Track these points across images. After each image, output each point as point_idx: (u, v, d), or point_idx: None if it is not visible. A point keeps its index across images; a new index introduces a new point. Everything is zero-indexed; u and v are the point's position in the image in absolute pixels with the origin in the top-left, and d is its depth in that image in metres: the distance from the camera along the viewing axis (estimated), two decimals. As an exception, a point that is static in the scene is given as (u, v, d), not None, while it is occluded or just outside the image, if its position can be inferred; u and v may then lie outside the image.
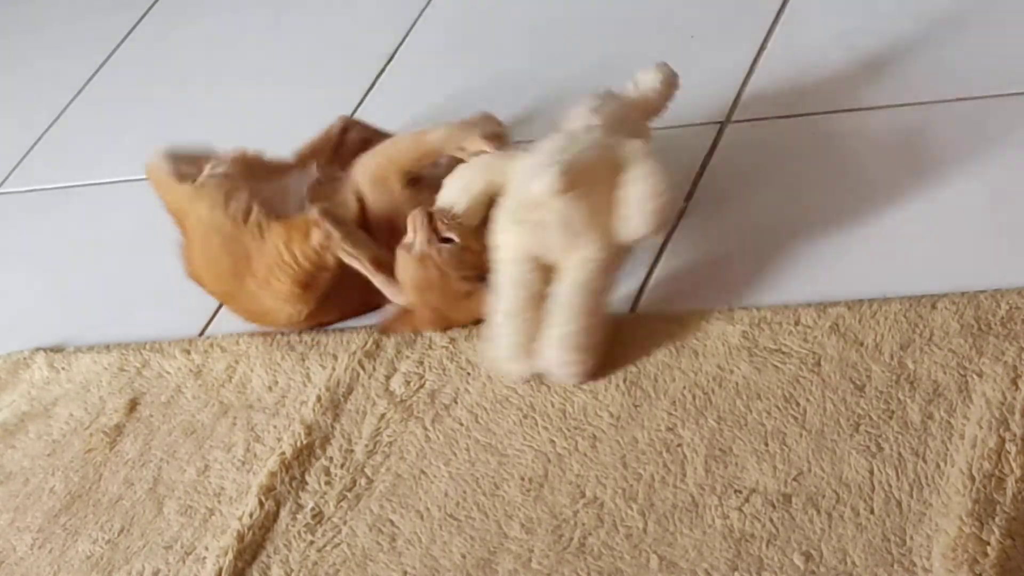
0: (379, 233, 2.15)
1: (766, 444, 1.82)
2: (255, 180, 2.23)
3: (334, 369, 2.11)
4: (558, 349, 1.95)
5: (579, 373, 1.96)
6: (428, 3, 2.81)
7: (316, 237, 2.12)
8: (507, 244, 2.00)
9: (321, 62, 2.79)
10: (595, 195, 1.97)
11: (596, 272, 1.97)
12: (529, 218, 1.98)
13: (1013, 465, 1.70)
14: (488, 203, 2.03)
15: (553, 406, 1.96)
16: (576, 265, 1.97)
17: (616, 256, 1.99)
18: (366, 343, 2.13)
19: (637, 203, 1.97)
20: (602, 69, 2.51)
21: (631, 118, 2.11)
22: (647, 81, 2.16)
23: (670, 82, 2.17)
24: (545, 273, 1.98)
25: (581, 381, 1.96)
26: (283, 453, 2.03)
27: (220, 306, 2.30)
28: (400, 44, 2.75)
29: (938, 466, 1.73)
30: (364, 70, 2.70)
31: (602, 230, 1.97)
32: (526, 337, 1.97)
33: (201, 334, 2.29)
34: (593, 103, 2.09)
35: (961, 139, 2.16)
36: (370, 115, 2.62)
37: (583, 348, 1.95)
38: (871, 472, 1.75)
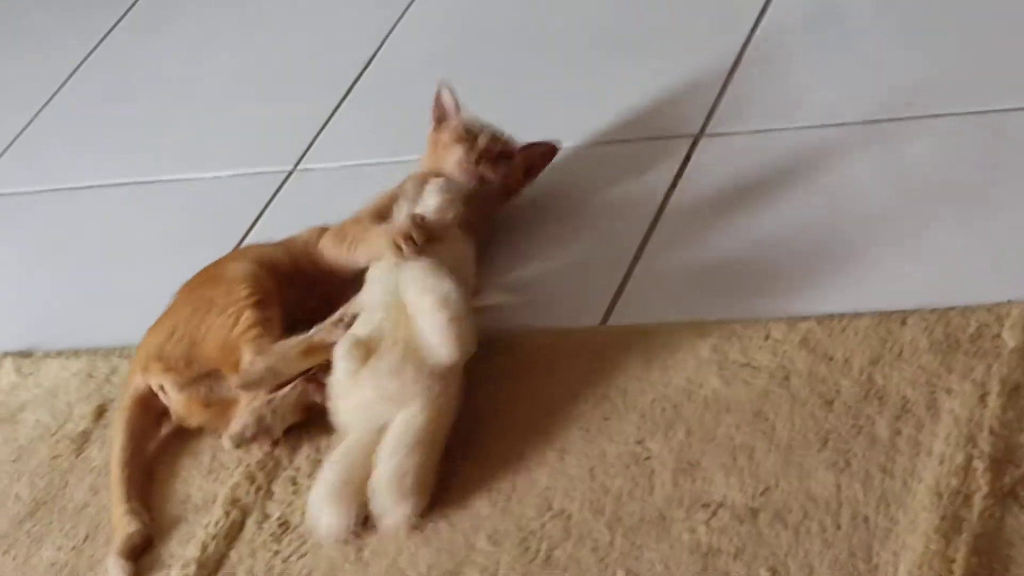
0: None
1: (734, 458, 1.82)
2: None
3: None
4: (387, 488, 1.86)
5: (405, 516, 1.86)
6: (404, 12, 2.80)
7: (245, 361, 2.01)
8: (347, 427, 1.94)
9: (298, 68, 2.78)
10: (397, 350, 1.92)
11: (428, 411, 1.90)
12: (353, 403, 1.93)
13: (980, 482, 1.70)
14: None
15: (522, 415, 1.95)
16: (408, 412, 1.90)
17: (447, 386, 1.92)
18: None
19: (434, 334, 1.91)
20: (577, 79, 2.51)
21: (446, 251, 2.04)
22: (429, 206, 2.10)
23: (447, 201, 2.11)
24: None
25: (407, 524, 1.86)
26: (249, 463, 2.02)
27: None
28: (376, 52, 2.74)
29: (905, 482, 1.73)
30: (340, 77, 2.69)
31: (424, 379, 1.91)
32: (346, 483, 1.88)
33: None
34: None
35: (933, 156, 2.16)
36: (345, 123, 2.62)
37: (412, 489, 1.86)
38: (838, 488, 1.75)
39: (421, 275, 1.99)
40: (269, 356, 1.99)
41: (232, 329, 2.03)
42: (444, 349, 1.91)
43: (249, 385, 2.00)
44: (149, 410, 2.07)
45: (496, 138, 2.22)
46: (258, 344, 2.01)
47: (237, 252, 2.24)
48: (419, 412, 1.90)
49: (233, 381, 2.01)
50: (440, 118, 2.26)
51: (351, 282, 2.07)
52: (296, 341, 2.00)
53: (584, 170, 2.32)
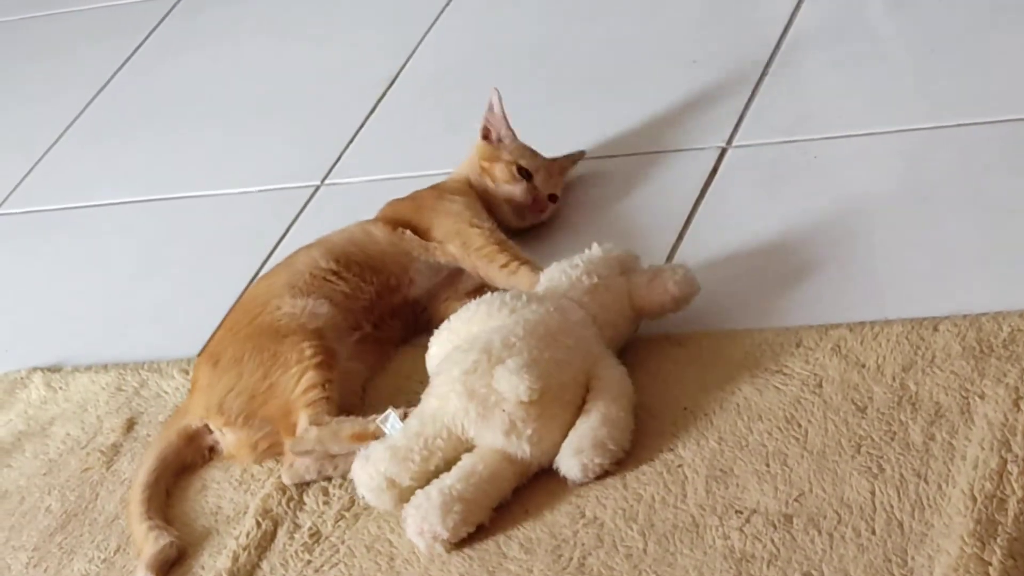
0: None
1: (767, 465, 1.81)
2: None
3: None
4: (429, 506, 1.84)
5: (434, 538, 1.84)
6: (430, 28, 2.81)
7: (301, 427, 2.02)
8: (441, 405, 1.89)
9: (325, 84, 2.78)
10: (554, 415, 1.86)
11: (509, 471, 1.87)
12: (476, 402, 1.87)
13: (1015, 486, 1.69)
14: None
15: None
16: (494, 452, 1.87)
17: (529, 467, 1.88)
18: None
19: (581, 441, 1.85)
20: (604, 92, 2.52)
21: (618, 306, 1.98)
22: (664, 278, 1.99)
23: (687, 289, 1.99)
24: (455, 444, 1.88)
25: (430, 547, 1.84)
26: (281, 474, 2.02)
27: (217, 327, 2.28)
28: (401, 69, 2.75)
29: (940, 487, 1.72)
30: (366, 93, 2.70)
31: (545, 454, 1.86)
32: (399, 475, 1.87)
33: (199, 354, 2.28)
34: (588, 266, 1.99)
35: (961, 163, 2.16)
36: (371, 138, 2.62)
37: (454, 518, 1.83)
38: (873, 493, 1.74)
39: (619, 381, 1.91)
40: (322, 430, 1.99)
41: (293, 390, 2.04)
42: (576, 465, 1.84)
43: (300, 453, 2.00)
44: (193, 444, 2.10)
45: (551, 174, 2.27)
46: (314, 411, 2.01)
47: (300, 256, 2.22)
48: (505, 459, 1.87)
49: (286, 444, 2.02)
50: (490, 131, 2.29)
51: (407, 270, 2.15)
52: (350, 424, 1.99)
53: (613, 182, 2.32)
